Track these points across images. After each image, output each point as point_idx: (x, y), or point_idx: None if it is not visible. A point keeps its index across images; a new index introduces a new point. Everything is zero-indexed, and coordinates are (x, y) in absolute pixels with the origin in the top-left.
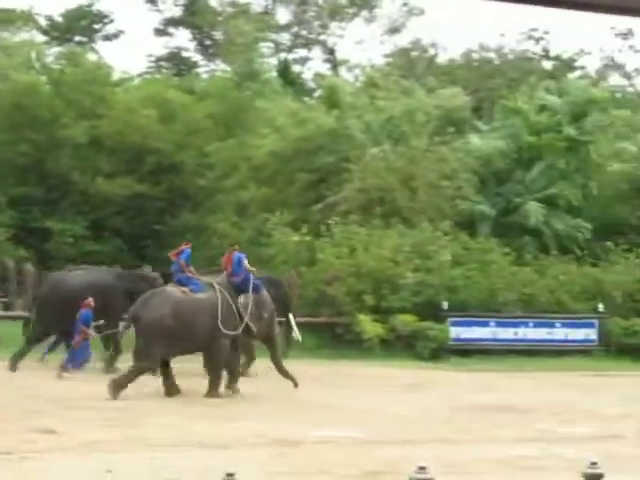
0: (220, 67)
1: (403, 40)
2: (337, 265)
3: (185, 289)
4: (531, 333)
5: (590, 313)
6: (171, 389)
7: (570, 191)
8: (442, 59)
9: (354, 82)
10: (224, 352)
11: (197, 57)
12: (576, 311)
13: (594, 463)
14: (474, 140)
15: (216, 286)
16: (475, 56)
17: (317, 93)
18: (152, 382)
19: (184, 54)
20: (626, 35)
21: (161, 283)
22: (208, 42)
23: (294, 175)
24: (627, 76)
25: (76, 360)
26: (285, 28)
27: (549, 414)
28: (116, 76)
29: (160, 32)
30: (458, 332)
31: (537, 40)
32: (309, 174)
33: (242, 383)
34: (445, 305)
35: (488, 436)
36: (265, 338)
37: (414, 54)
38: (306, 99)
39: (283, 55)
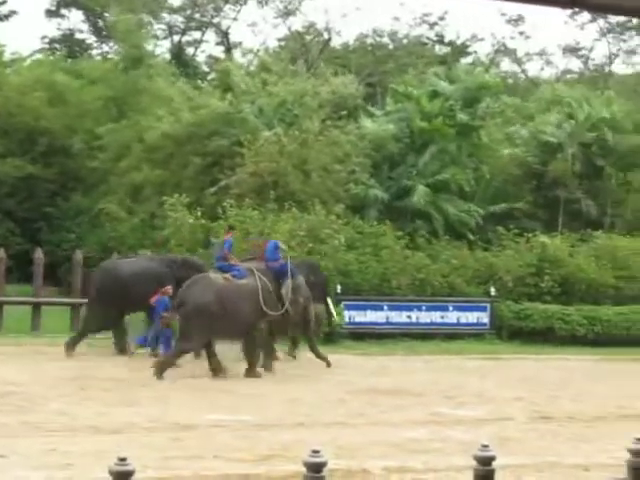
0: (114, 49)
1: (297, 24)
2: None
3: (227, 275)
4: (424, 317)
5: (482, 297)
6: (217, 369)
7: (461, 176)
8: (336, 43)
9: (247, 66)
10: (262, 336)
11: (91, 39)
12: (468, 295)
13: (485, 446)
14: (367, 124)
15: (256, 272)
16: (369, 41)
17: (211, 76)
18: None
19: (78, 36)
20: (517, 21)
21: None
22: (101, 24)
23: (188, 158)
24: (518, 62)
25: (164, 344)
26: (178, 10)
27: (442, 397)
28: (7, 57)
29: (52, 13)
30: (352, 316)
31: (431, 25)
32: (203, 158)
33: (135, 370)
34: (339, 289)
35: (382, 419)
36: (301, 321)
37: (308, 38)
38: (199, 82)
39: (176, 37)
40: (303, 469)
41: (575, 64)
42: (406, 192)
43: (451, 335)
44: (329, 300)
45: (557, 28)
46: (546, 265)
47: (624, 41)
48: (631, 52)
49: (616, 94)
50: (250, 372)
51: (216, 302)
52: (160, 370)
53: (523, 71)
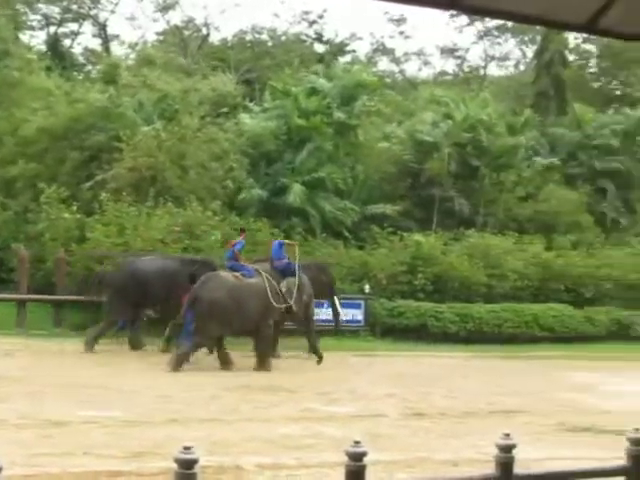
0: None
1: (176, 18)
2: (107, 244)
3: (237, 274)
4: None
5: (357, 294)
6: (226, 362)
7: (338, 174)
8: (215, 39)
9: (125, 59)
10: (271, 331)
11: None
12: (343, 292)
13: (357, 442)
14: (245, 121)
15: (263, 273)
16: (248, 37)
17: (87, 69)
18: None
19: None
20: (399, 21)
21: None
22: None
23: (65, 152)
24: (396, 61)
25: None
26: (55, 1)
27: (316, 394)
28: None
29: None
30: None
31: (310, 23)
32: (81, 152)
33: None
34: None
35: (255, 415)
36: (304, 318)
37: (186, 33)
38: (76, 74)
39: (53, 29)
40: (174, 466)
41: (451, 65)
42: (283, 189)
43: (327, 332)
44: (336, 299)
45: (437, 29)
46: (419, 263)
47: (500, 44)
48: (505, 56)
49: (492, 96)
50: (262, 366)
51: (228, 299)
52: (176, 364)
53: (401, 71)
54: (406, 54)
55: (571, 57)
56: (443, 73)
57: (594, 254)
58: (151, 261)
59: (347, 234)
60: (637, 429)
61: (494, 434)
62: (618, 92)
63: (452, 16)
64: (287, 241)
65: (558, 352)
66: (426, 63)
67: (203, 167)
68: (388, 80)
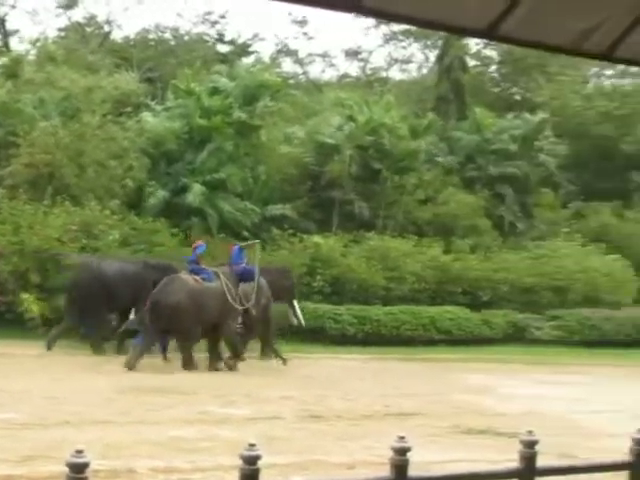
0: None
1: (78, 15)
2: (1, 242)
3: (197, 277)
4: None
5: None
6: (189, 364)
7: (238, 174)
8: (117, 36)
9: (26, 55)
10: (234, 331)
11: None
12: None
13: (252, 445)
14: (147, 119)
15: (222, 276)
16: (151, 36)
17: None
18: None
19: None
20: (302, 22)
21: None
22: None
23: None
24: (300, 62)
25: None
26: None
27: (212, 396)
28: None
29: None
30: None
31: (213, 23)
32: None
33: None
34: None
35: (149, 418)
36: (262, 320)
37: (88, 30)
38: None
39: None
40: (66, 469)
41: (355, 68)
42: (183, 189)
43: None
44: (295, 303)
45: (341, 31)
46: (318, 265)
47: (404, 48)
48: (409, 59)
49: (395, 99)
50: (232, 365)
51: (187, 301)
52: (134, 363)
53: (305, 72)
54: (310, 55)
55: (472, 62)
56: (346, 75)
57: (491, 258)
58: (112, 264)
59: (247, 235)
60: (531, 431)
61: (390, 436)
62: (518, 97)
63: (356, 18)
64: (247, 242)
65: (455, 355)
66: (330, 65)
67: (102, 165)
68: (292, 82)
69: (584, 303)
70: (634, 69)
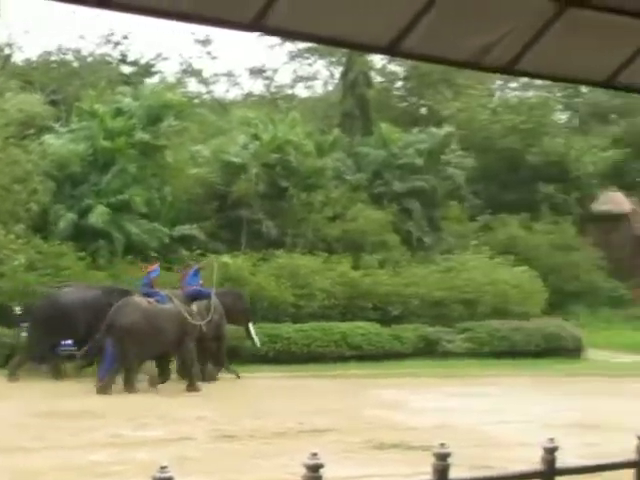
0: None
1: None
2: None
3: (151, 300)
4: None
5: None
6: (153, 382)
7: (144, 195)
8: (18, 59)
9: None
10: (193, 352)
11: None
12: None
13: (164, 467)
14: (51, 142)
15: (173, 298)
16: (53, 58)
17: None
18: None
19: None
20: (205, 42)
21: None
22: None
23: None
24: (205, 82)
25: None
26: None
27: (124, 419)
28: None
29: None
30: None
31: (115, 44)
32: None
33: None
34: (18, 310)
35: (63, 443)
36: (214, 336)
37: None
38: None
39: None
40: None
41: (260, 86)
42: (88, 212)
43: None
44: (251, 325)
45: (246, 50)
46: (228, 284)
47: (309, 65)
48: (314, 76)
49: (299, 116)
50: (191, 387)
51: (142, 322)
52: (104, 390)
53: (209, 92)
54: (215, 75)
55: (378, 78)
56: (251, 94)
57: (400, 272)
58: (71, 292)
59: (155, 256)
60: (443, 444)
61: (303, 454)
62: (425, 112)
63: (261, 37)
64: (202, 262)
65: (366, 370)
66: (235, 84)
67: (5, 190)
68: (197, 101)
69: (493, 315)
70: (538, 81)
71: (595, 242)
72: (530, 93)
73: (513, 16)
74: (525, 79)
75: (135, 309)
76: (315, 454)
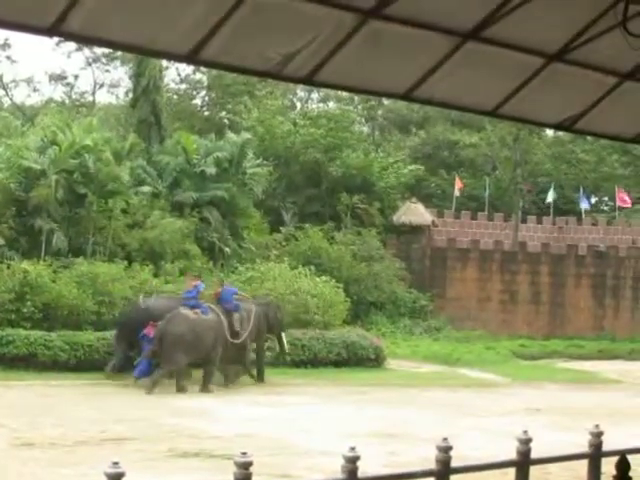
0: None
1: None
2: None
3: (197, 311)
4: None
5: None
6: (184, 388)
7: None
8: None
9: None
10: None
11: None
12: None
13: None
14: None
15: (216, 310)
16: None
17: None
18: None
19: None
20: (4, 46)
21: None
22: None
23: None
24: (4, 87)
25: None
26: None
27: None
28: None
29: None
30: None
31: None
32: None
33: None
34: None
35: None
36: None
37: None
38: None
39: None
40: None
41: (60, 92)
42: None
43: None
44: (283, 335)
45: (46, 55)
46: (27, 291)
47: (109, 72)
48: (117, 83)
49: (101, 123)
50: (205, 388)
51: (189, 332)
52: (152, 387)
53: (10, 97)
54: (15, 81)
55: (182, 86)
56: (51, 100)
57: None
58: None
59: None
60: (245, 453)
61: (106, 462)
62: (227, 121)
63: (60, 42)
64: (241, 293)
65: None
66: (35, 90)
67: None
68: None
69: (295, 324)
70: (341, 93)
71: (397, 253)
72: (330, 104)
73: (314, 28)
74: (327, 90)
75: (184, 320)
76: (116, 463)
